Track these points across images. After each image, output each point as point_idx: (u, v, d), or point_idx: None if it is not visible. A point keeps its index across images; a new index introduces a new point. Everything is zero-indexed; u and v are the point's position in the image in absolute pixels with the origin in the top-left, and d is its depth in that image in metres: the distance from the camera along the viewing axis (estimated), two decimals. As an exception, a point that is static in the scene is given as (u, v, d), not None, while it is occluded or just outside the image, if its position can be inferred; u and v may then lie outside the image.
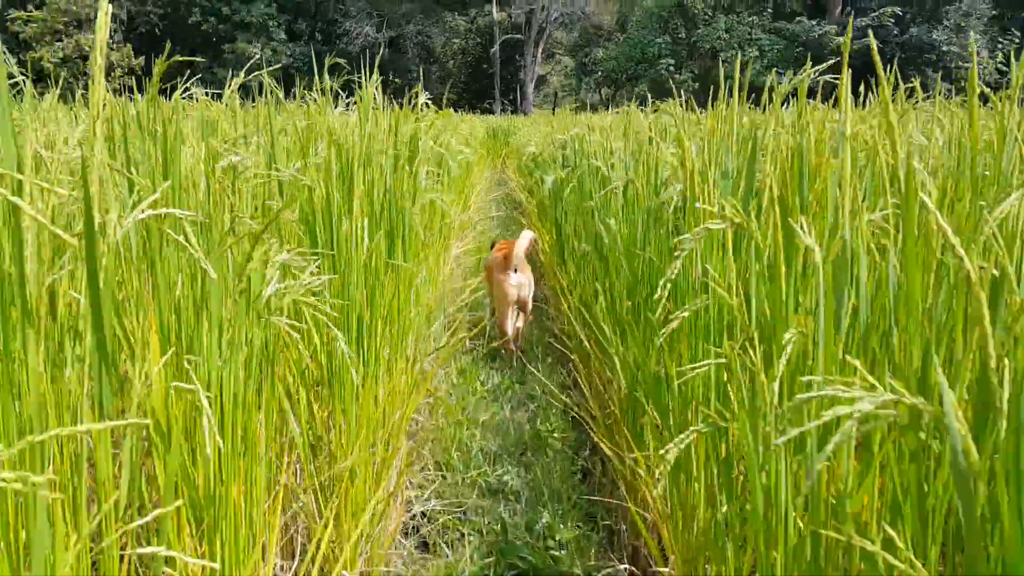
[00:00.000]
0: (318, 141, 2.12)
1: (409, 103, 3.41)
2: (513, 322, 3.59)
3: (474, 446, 2.57)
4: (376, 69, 2.41)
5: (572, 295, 3.46)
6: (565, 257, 3.94)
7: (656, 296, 1.23)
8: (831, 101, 1.49)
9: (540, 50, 35.68)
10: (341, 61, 2.53)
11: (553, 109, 39.93)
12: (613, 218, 2.26)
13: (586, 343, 2.67)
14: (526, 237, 3.57)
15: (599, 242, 2.65)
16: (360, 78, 2.29)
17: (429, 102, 3.58)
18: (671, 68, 28.35)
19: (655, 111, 2.81)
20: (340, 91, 2.65)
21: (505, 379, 3.35)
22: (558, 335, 3.86)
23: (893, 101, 2.21)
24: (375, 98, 2.58)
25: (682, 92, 2.73)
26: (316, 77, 2.26)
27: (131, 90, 2.28)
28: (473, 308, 4.32)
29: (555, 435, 2.66)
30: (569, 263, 3.80)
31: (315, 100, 2.46)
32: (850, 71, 1.13)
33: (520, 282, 3.55)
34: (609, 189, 2.42)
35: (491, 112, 31.92)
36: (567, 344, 3.41)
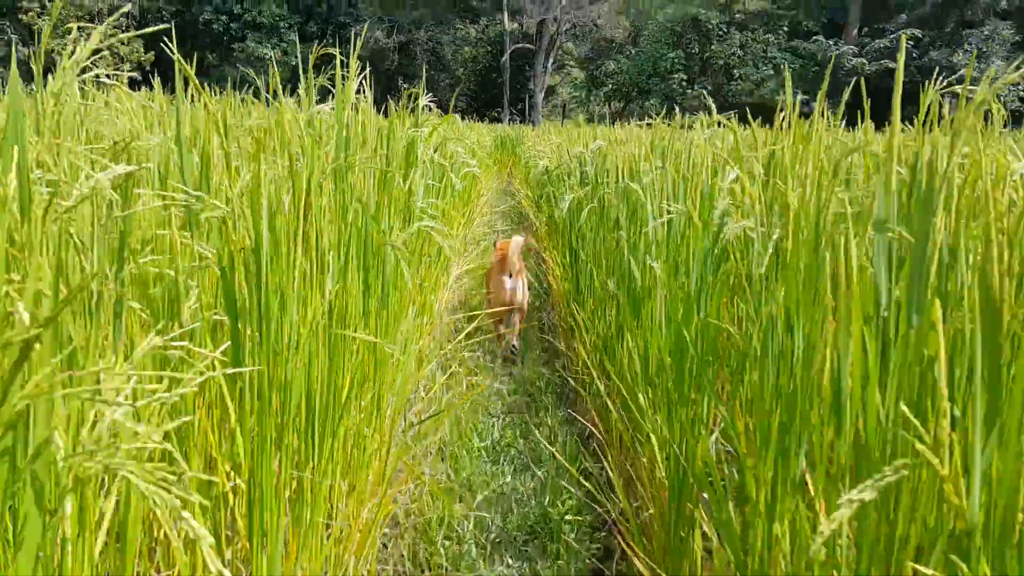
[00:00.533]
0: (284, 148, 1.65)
1: (408, 105, 2.95)
2: (506, 323, 3.72)
3: (466, 532, 2.08)
4: (359, 60, 1.95)
5: (588, 333, 2.99)
6: (581, 288, 3.46)
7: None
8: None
9: (550, 61, 35.36)
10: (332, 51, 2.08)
11: (562, 120, 39.56)
12: (656, 259, 1.78)
13: (607, 400, 2.19)
14: (517, 243, 3.61)
15: (630, 282, 2.17)
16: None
17: (433, 105, 3.12)
18: (683, 83, 27.97)
19: (718, 125, 2.34)
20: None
21: (507, 433, 2.87)
22: (567, 374, 3.38)
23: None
24: (364, 95, 2.12)
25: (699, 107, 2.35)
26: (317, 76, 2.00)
27: (138, 84, 2.19)
28: (474, 332, 3.84)
29: (568, 519, 2.17)
30: (586, 296, 3.32)
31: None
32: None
33: (514, 287, 3.64)
34: (659, 223, 1.93)
35: (499, 121, 31.54)
36: (581, 390, 2.93)
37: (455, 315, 4.21)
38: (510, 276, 3.61)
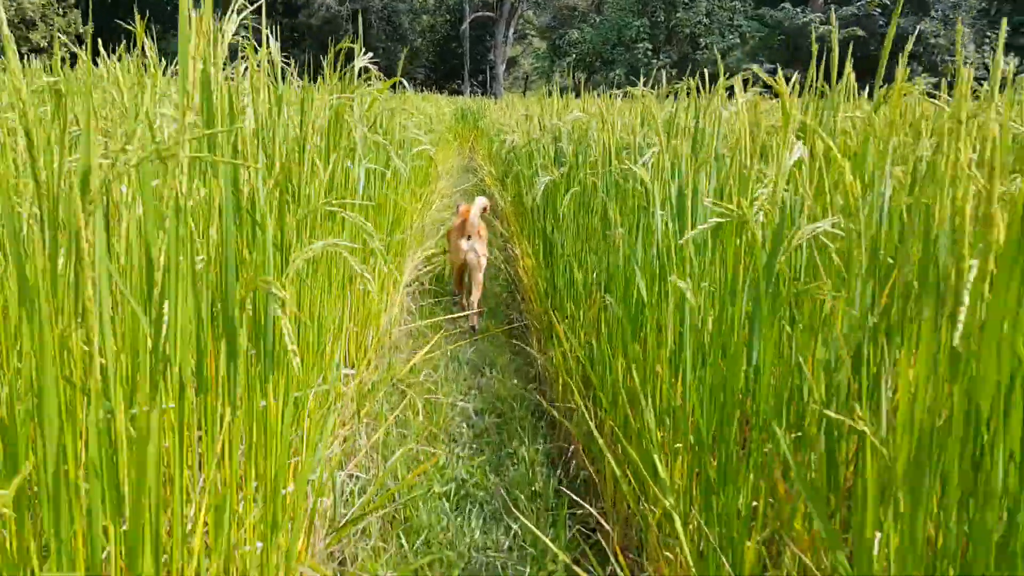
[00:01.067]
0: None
1: (339, 70, 2.39)
2: (464, 282, 3.88)
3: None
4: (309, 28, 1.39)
5: (568, 343, 2.48)
6: (558, 285, 2.95)
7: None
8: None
9: (511, 30, 34.44)
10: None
11: (524, 92, 38.69)
12: (684, 280, 1.25)
13: (608, 454, 1.69)
14: (478, 204, 3.65)
15: (637, 298, 1.65)
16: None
17: (373, 68, 2.55)
18: (648, 52, 27.44)
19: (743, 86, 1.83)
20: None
21: (476, 470, 2.37)
22: (544, 396, 2.88)
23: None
24: (268, 49, 1.57)
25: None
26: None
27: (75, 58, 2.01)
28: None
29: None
30: (565, 297, 2.81)
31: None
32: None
33: (472, 247, 3.73)
34: (706, 227, 1.40)
35: (460, 93, 30.62)
36: (565, 421, 2.43)
37: (419, 302, 3.71)
38: (468, 238, 3.72)
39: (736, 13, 26.52)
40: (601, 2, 32.84)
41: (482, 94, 30.33)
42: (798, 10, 25.12)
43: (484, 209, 3.74)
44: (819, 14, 24.44)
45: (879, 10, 23.61)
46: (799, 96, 1.98)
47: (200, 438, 1.06)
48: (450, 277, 4.27)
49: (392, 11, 32.45)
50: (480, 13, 33.66)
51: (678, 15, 26.76)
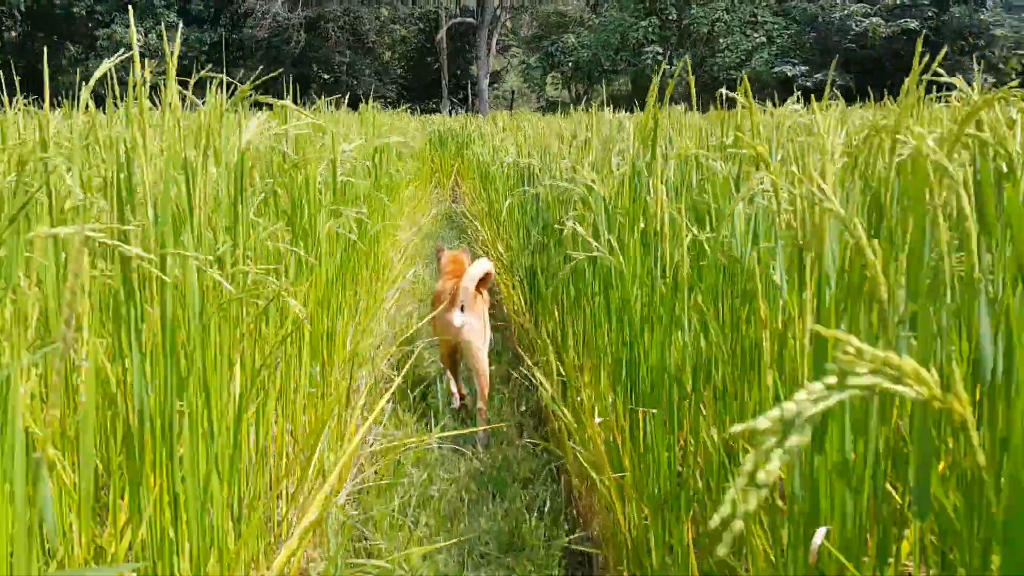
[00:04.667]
0: None
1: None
2: (458, 374, 3.38)
3: None
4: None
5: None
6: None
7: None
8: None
9: (494, 40, 34.06)
10: None
11: (510, 110, 38.05)
12: None
13: None
14: (481, 267, 3.16)
15: None
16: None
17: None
18: (659, 57, 26.94)
19: None
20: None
21: None
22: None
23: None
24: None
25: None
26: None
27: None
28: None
29: None
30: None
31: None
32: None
33: (463, 324, 3.13)
34: None
35: (438, 112, 29.98)
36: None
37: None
38: (461, 310, 3.13)
39: (760, 8, 26.11)
40: (597, 2, 32.54)
41: (464, 112, 29.64)
42: (834, 3, 24.68)
43: (487, 276, 3.23)
44: (862, 4, 23.95)
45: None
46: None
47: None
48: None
49: (355, 18, 31.97)
50: (458, 19, 33.29)
51: (692, 11, 26.32)
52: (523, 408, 3.30)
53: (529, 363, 3.03)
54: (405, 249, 4.86)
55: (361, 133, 3.80)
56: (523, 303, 3.55)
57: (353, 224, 2.41)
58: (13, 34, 32.19)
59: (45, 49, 1.75)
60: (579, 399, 2.26)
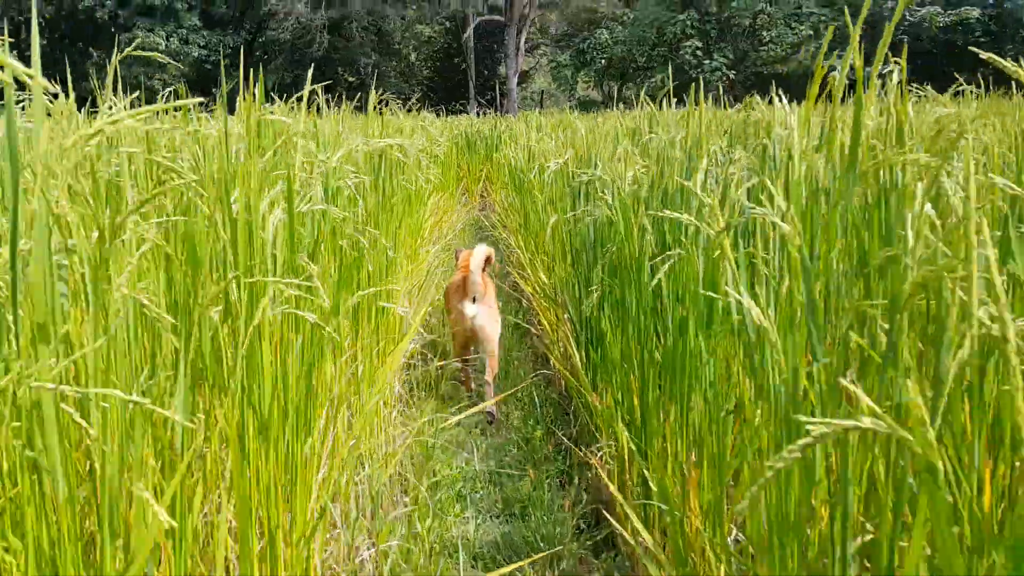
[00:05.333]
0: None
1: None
2: (472, 363, 3.61)
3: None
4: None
5: None
6: None
7: None
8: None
9: (523, 39, 33.40)
10: None
11: (539, 111, 37.27)
12: None
13: None
14: (481, 254, 3.41)
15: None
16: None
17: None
18: (698, 53, 26.10)
19: None
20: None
21: None
22: None
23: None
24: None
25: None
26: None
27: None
28: None
29: None
30: None
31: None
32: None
33: (476, 313, 3.40)
34: None
35: (465, 113, 29.37)
36: None
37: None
38: (473, 300, 3.42)
39: (805, -1, 25.20)
40: (633, -5, 31.75)
41: (492, 114, 28.94)
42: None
43: (488, 261, 3.50)
44: (914, -7, 22.95)
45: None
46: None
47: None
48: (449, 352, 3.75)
49: (379, 19, 31.53)
50: (486, 17, 32.71)
51: (733, 4, 25.44)
52: (578, 507, 2.55)
53: (581, 444, 2.35)
54: (421, 282, 4.19)
55: (364, 139, 3.16)
56: (575, 352, 2.86)
57: (324, 296, 1.66)
58: (43, 42, 32.31)
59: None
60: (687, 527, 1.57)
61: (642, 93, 3.37)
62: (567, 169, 3.36)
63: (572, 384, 2.94)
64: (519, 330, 4.26)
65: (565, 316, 3.24)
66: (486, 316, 3.39)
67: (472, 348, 3.53)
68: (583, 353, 2.77)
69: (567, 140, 4.64)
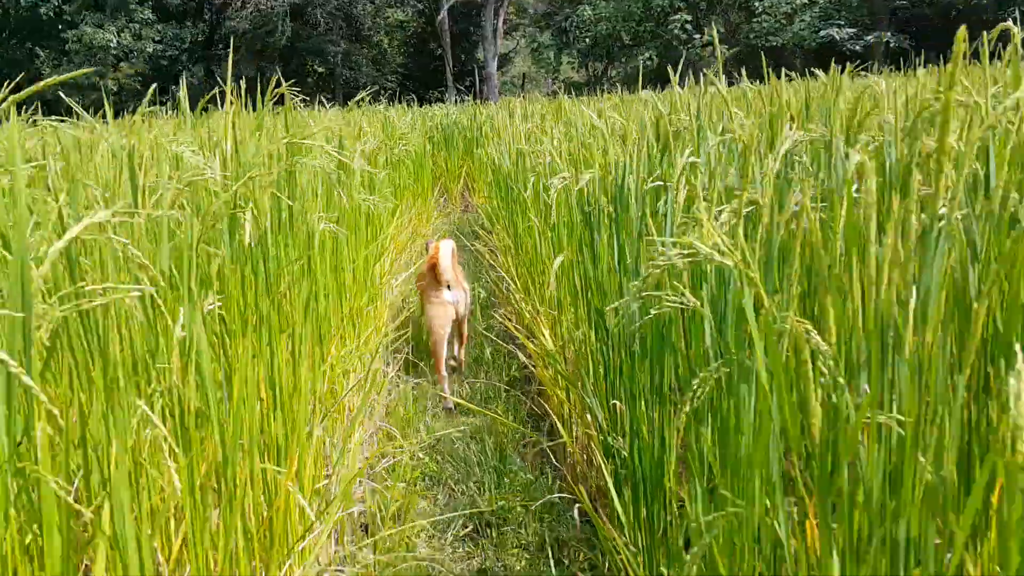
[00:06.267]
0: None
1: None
2: (445, 347, 3.83)
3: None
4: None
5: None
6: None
7: None
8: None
9: (500, 19, 32.25)
10: None
11: (521, 95, 36.04)
12: None
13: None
14: (447, 247, 3.81)
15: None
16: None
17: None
18: (688, 27, 25.07)
19: None
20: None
21: None
22: None
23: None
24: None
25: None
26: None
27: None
28: None
29: None
30: None
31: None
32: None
33: (456, 299, 3.82)
34: None
35: (441, 102, 28.17)
36: None
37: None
38: (448, 288, 3.78)
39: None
40: (615, -31, 30.64)
41: (471, 101, 27.74)
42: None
43: (452, 253, 3.86)
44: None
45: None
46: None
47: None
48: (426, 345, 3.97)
49: (347, 4, 30.25)
50: (460, -2, 31.53)
51: (723, -27, 24.41)
52: None
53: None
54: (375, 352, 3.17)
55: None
56: (609, 489, 1.83)
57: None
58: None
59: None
60: None
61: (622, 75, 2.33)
62: (592, 191, 2.32)
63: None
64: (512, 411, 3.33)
65: (586, 413, 2.21)
66: (462, 299, 3.85)
67: (449, 330, 3.85)
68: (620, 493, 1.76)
69: (568, 137, 3.61)
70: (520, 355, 3.73)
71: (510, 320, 4.04)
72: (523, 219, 3.73)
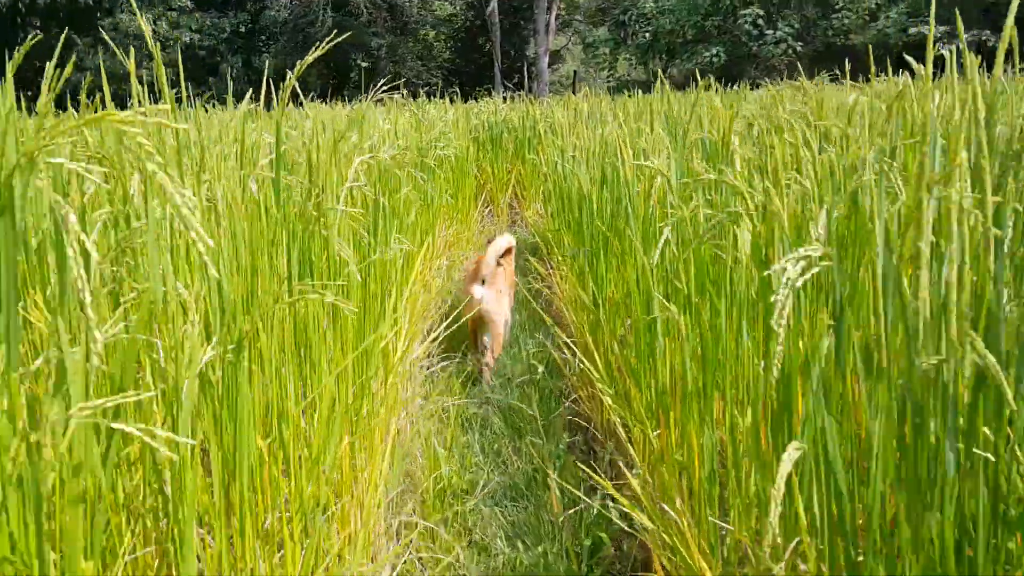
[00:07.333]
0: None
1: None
2: (482, 343, 3.87)
3: None
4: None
5: None
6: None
7: None
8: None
9: (553, 13, 31.19)
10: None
11: (574, 90, 34.80)
12: None
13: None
14: (502, 243, 3.89)
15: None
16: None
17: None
18: (759, 22, 23.70)
19: None
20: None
21: None
22: None
23: None
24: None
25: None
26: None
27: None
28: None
29: None
30: None
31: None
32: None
33: (482, 296, 3.78)
34: None
35: (489, 98, 27.12)
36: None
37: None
38: (483, 283, 3.80)
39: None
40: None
41: (520, 96, 26.50)
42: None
43: (508, 251, 3.92)
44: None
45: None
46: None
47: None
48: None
49: (390, -5, 29.47)
50: (511, -10, 30.54)
51: (800, -36, 22.99)
52: None
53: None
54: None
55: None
56: None
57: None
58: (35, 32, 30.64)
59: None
60: None
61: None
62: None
63: None
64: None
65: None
66: (493, 301, 3.80)
67: (481, 335, 3.85)
68: None
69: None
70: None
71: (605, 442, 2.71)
72: (623, 265, 2.56)
